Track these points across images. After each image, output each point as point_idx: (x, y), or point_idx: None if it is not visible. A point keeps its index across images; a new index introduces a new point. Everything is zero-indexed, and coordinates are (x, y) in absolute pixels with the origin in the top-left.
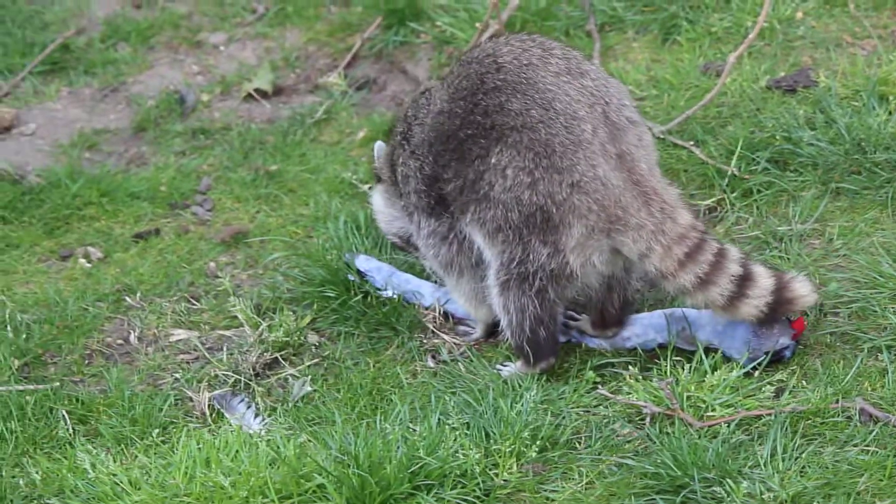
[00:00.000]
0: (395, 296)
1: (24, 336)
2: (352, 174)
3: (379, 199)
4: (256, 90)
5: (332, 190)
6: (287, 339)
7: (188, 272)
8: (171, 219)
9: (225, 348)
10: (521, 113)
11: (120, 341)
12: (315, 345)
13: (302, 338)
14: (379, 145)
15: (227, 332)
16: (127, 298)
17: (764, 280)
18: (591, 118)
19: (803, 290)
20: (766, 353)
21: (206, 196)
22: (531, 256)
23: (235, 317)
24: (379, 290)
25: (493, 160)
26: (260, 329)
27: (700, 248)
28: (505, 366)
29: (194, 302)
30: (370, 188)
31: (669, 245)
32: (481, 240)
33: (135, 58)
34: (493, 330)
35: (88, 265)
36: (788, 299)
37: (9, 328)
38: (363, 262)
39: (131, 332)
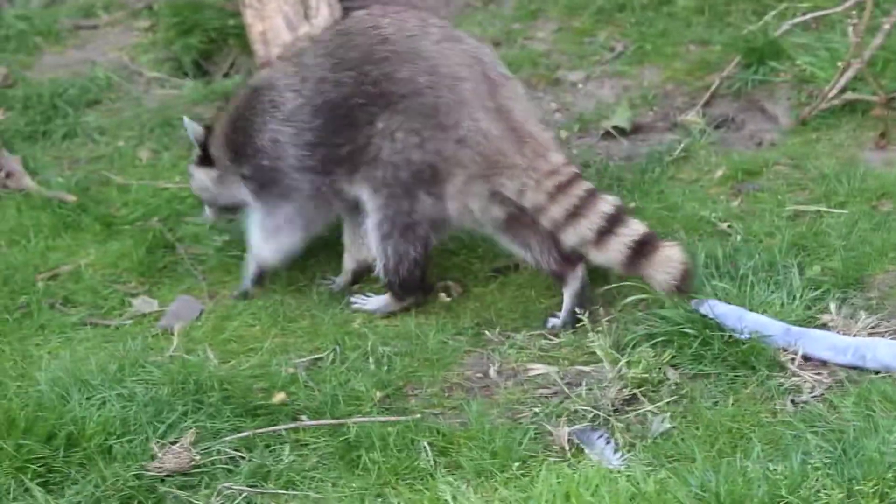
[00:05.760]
0: (751, 336)
1: (385, 368)
2: (710, 212)
3: (205, 179)
4: (614, 127)
5: (691, 228)
6: (645, 375)
7: (546, 307)
8: None
9: (584, 383)
10: (409, 80)
11: (479, 375)
12: (674, 382)
13: (661, 374)
14: (190, 123)
15: (586, 368)
16: (486, 332)
17: (635, 224)
18: (471, 77)
19: (672, 253)
20: None
21: None
22: (417, 207)
23: (594, 352)
24: (734, 331)
25: (381, 125)
26: (619, 365)
27: (570, 184)
28: (364, 298)
29: (552, 337)
30: (189, 166)
31: (540, 180)
32: (367, 196)
33: None
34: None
35: (448, 299)
36: (655, 248)
37: (371, 360)
38: (712, 308)
39: (490, 365)
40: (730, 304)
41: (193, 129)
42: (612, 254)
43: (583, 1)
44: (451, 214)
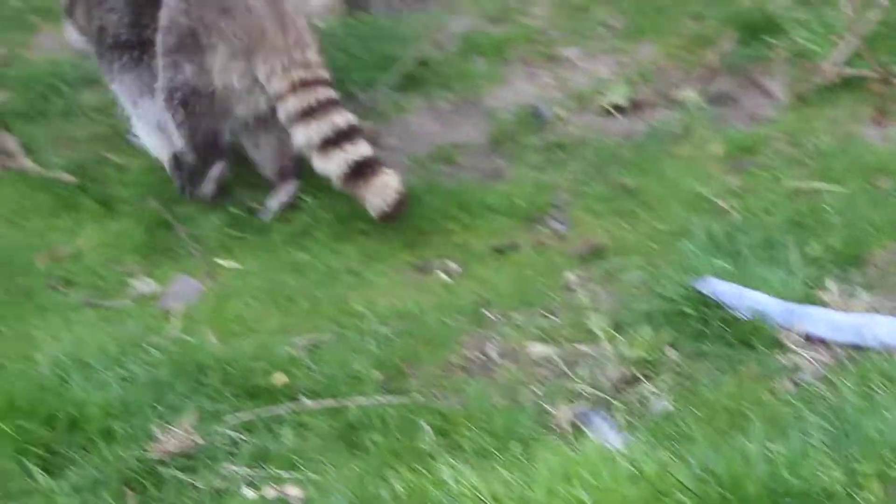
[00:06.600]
0: (750, 316)
1: (384, 348)
2: (708, 189)
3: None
4: (611, 104)
5: (689, 205)
6: (645, 355)
7: (545, 286)
8: (528, 233)
9: (583, 363)
10: None
11: (479, 354)
12: (673, 361)
13: (660, 354)
14: None
15: (585, 347)
16: (485, 312)
17: (363, 146)
18: None
19: (389, 180)
20: None
21: (562, 210)
22: (179, 75)
23: (592, 331)
24: (733, 309)
25: None
26: (618, 345)
27: (316, 84)
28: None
29: (551, 316)
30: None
31: (289, 68)
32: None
33: (490, 72)
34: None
35: (447, 279)
36: (374, 172)
37: (371, 340)
38: (711, 286)
39: (490, 345)
40: (728, 282)
41: None
42: (333, 166)
43: None
44: (218, 90)
